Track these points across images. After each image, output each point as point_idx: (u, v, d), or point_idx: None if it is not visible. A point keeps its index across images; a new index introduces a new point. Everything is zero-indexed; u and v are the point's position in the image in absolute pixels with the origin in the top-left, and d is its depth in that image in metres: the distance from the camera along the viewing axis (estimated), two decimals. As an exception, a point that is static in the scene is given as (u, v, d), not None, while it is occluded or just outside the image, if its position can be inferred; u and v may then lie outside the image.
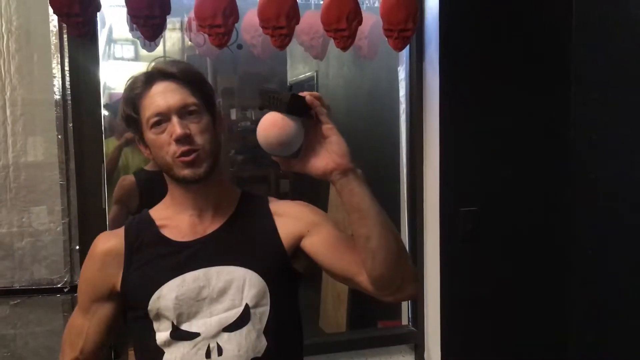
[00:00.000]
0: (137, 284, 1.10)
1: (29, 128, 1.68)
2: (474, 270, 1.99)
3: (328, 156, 1.00)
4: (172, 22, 2.05)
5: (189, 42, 2.92)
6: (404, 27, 1.80)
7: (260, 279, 1.09)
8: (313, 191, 2.51)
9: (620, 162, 1.84)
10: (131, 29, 1.72)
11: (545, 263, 2.05)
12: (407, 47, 1.92)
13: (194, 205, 1.14)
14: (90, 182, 1.71)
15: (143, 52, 2.03)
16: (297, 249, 1.14)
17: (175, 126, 1.06)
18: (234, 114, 3.28)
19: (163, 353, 1.07)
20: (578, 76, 1.99)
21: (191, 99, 1.09)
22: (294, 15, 1.68)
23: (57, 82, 1.68)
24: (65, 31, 1.66)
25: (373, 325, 2.39)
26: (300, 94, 0.99)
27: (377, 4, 1.97)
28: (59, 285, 1.70)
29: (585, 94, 1.97)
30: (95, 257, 1.15)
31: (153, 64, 1.12)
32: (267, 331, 1.09)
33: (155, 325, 1.09)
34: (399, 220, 2.16)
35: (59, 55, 1.67)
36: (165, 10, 1.61)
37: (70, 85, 1.68)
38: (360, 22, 1.76)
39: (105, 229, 1.72)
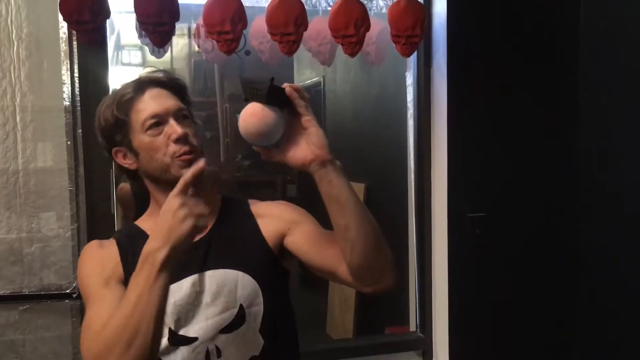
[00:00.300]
0: None
1: (38, 134, 1.69)
2: (482, 276, 1.98)
3: (307, 147, 1.01)
4: (179, 28, 2.06)
5: (196, 48, 2.94)
6: (411, 33, 1.80)
7: (252, 279, 1.11)
8: (320, 196, 2.51)
9: (629, 166, 1.83)
10: (140, 36, 1.73)
11: (553, 269, 2.04)
12: (415, 52, 1.92)
13: None
14: (99, 188, 1.72)
15: (150, 57, 2.04)
16: (283, 247, 1.16)
17: (175, 127, 1.08)
18: (240, 119, 3.28)
19: None
20: (586, 81, 1.99)
21: (183, 105, 1.12)
22: (302, 22, 1.69)
23: (67, 89, 1.69)
24: (74, 38, 1.68)
25: (380, 331, 2.39)
26: (283, 85, 1.00)
27: (384, 10, 1.97)
28: (67, 291, 1.71)
29: (593, 98, 1.97)
30: (93, 252, 1.11)
31: (141, 73, 1.15)
32: (263, 329, 1.11)
33: None
34: (406, 226, 2.16)
35: (68, 62, 1.68)
36: (174, 17, 1.62)
37: (80, 91, 1.69)
38: (368, 28, 1.76)
39: (114, 235, 1.72)
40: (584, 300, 2.02)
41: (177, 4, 1.62)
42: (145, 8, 1.59)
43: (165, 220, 0.93)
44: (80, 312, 1.71)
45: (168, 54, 3.02)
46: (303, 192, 3.46)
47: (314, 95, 3.40)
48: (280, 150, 1.04)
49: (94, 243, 1.15)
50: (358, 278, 1.06)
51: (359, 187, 2.79)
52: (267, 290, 1.12)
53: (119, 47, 2.85)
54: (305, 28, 1.71)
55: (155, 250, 0.92)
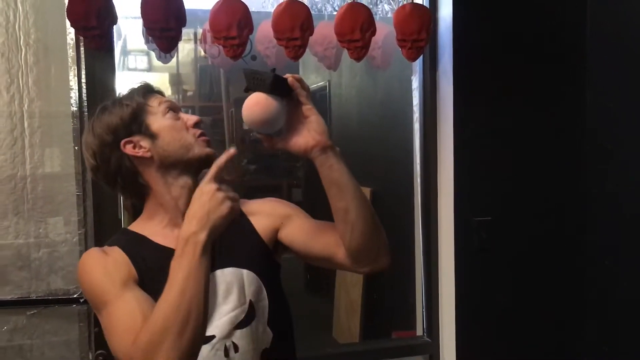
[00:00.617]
0: (154, 297, 1.08)
1: (46, 140, 1.70)
2: (489, 280, 1.98)
3: (308, 134, 1.07)
4: (185, 33, 2.07)
5: (202, 53, 2.95)
6: (417, 37, 1.81)
7: (255, 276, 1.15)
8: (326, 198, 2.51)
9: (636, 169, 1.82)
10: (147, 41, 1.74)
11: (560, 273, 2.03)
12: (421, 56, 1.92)
13: (186, 210, 1.07)
14: (107, 193, 1.70)
15: (157, 62, 2.05)
16: (276, 242, 1.22)
17: (190, 115, 1.18)
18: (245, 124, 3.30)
19: None
20: (592, 84, 1.98)
21: None
22: (308, 27, 1.69)
23: (74, 95, 1.69)
24: (82, 44, 1.68)
25: (387, 335, 2.39)
26: (285, 75, 1.06)
27: (390, 15, 1.97)
28: (75, 296, 1.71)
29: (600, 102, 1.96)
30: (99, 258, 1.08)
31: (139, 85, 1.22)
32: (270, 323, 1.16)
33: None
34: (412, 230, 2.16)
35: (76, 67, 1.69)
36: (181, 22, 1.63)
37: (87, 97, 1.70)
38: (374, 33, 1.76)
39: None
40: (591, 304, 2.01)
41: (184, 9, 1.63)
42: (152, 14, 1.60)
43: (201, 204, 0.96)
44: (88, 316, 1.72)
45: (174, 59, 3.03)
46: (308, 196, 3.47)
47: (320, 100, 3.40)
48: (282, 138, 1.10)
49: (95, 251, 1.12)
50: (356, 259, 1.12)
51: (365, 191, 2.78)
52: (269, 285, 1.17)
53: (125, 52, 2.86)
54: (311, 33, 1.71)
55: (195, 233, 0.95)
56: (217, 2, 1.66)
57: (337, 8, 2.03)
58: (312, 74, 3.67)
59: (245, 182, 3.45)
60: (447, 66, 1.94)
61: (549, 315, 2.03)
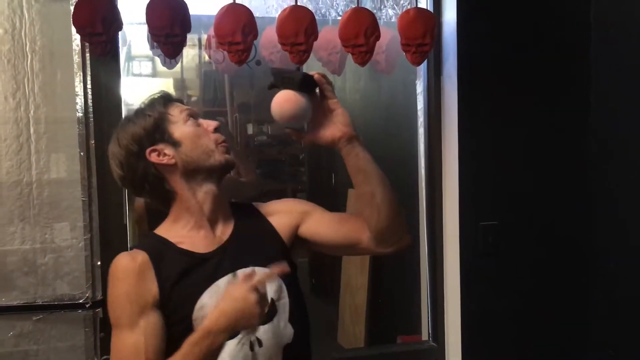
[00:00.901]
0: (177, 299, 1.14)
1: (52, 145, 1.71)
2: (495, 284, 1.97)
3: (335, 126, 1.17)
4: (190, 39, 2.08)
5: (207, 58, 2.96)
6: (421, 41, 1.80)
7: (276, 275, 1.18)
8: (331, 203, 2.51)
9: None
10: (152, 47, 1.74)
11: (566, 276, 2.02)
12: (425, 61, 1.92)
13: (210, 215, 1.22)
14: (112, 198, 1.72)
15: (161, 68, 2.06)
16: (294, 241, 1.28)
17: (209, 120, 1.25)
18: (250, 129, 3.31)
19: None
20: (597, 88, 1.98)
21: None
22: (312, 32, 1.69)
23: (80, 100, 1.70)
24: (87, 50, 1.69)
25: (392, 340, 2.37)
26: (311, 73, 1.16)
27: (394, 19, 1.97)
28: (80, 301, 1.71)
29: (605, 105, 1.96)
30: (128, 272, 1.14)
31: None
32: (291, 319, 1.21)
33: None
34: (418, 234, 2.15)
35: (81, 73, 1.70)
36: (186, 28, 1.63)
37: (93, 103, 1.71)
38: (378, 37, 1.76)
39: (127, 245, 1.73)
40: (599, 308, 2.00)
41: (189, 15, 1.63)
42: (157, 20, 1.60)
43: (234, 309, 1.05)
44: (93, 322, 1.72)
45: (179, 65, 3.04)
46: (312, 201, 3.46)
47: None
48: (310, 131, 1.20)
49: (125, 258, 1.16)
50: (382, 240, 1.21)
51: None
52: (288, 284, 1.22)
53: (130, 58, 2.87)
54: (316, 38, 1.71)
55: (217, 334, 1.05)
56: (222, 8, 1.66)
57: (341, 13, 2.03)
58: (316, 78, 3.67)
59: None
60: (451, 70, 1.94)
61: (555, 320, 2.02)
